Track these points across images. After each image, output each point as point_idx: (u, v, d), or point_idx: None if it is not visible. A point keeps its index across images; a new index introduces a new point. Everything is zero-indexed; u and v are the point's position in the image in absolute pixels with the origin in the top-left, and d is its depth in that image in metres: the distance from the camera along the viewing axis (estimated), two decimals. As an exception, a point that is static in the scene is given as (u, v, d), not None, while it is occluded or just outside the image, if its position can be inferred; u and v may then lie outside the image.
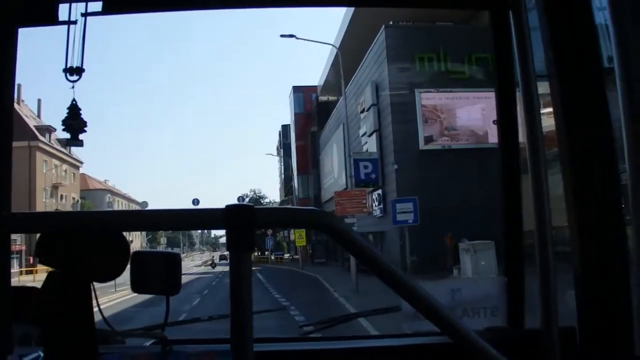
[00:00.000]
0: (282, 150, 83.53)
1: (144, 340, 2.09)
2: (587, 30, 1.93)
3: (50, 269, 1.77)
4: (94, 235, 1.72)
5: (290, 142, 75.42)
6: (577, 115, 1.92)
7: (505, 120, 2.18)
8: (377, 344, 2.14)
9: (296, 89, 73.53)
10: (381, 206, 36.13)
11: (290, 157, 75.96)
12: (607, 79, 1.88)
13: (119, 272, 1.81)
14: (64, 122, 2.07)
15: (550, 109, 1.99)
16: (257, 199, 75.73)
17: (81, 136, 2.11)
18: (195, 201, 54.74)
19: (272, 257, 70.25)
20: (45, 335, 1.75)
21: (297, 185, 69.01)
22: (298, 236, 48.68)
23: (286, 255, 76.10)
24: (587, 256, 1.87)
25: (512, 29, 2.07)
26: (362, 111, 39.71)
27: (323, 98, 64.55)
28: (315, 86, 68.32)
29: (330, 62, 53.20)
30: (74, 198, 70.64)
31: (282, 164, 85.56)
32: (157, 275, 1.88)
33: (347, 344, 2.14)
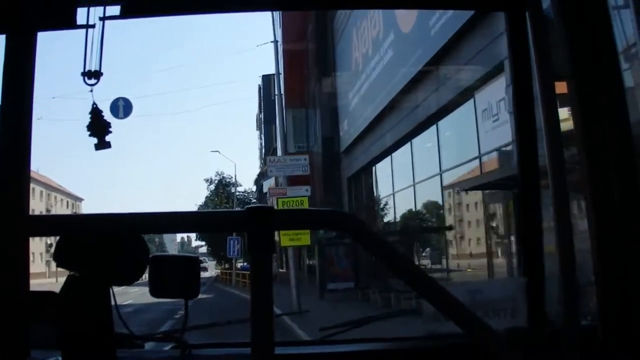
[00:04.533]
0: (262, 115, 56.13)
1: (163, 344, 2.09)
2: (604, 30, 1.93)
3: (69, 272, 1.78)
4: (113, 238, 1.73)
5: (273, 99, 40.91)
6: (596, 116, 1.91)
7: (523, 122, 2.18)
8: (398, 346, 2.13)
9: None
10: None
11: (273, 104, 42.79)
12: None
13: (138, 276, 1.81)
14: (89, 127, 2.08)
15: (569, 110, 1.98)
16: (225, 184, 55.57)
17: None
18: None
19: (234, 275, 44.28)
20: (64, 339, 1.75)
21: (283, 131, 27.16)
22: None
23: None
24: (608, 254, 1.86)
25: (529, 31, 2.07)
26: None
27: None
28: None
29: None
30: None
31: (264, 133, 57.29)
32: (176, 279, 1.87)
33: (367, 346, 2.13)
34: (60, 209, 74.14)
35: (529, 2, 2.03)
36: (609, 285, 1.86)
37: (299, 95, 35.34)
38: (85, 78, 2.01)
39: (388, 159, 24.58)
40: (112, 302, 1.83)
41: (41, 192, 69.98)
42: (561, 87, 1.99)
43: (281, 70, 28.60)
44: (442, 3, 2.53)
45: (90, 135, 2.06)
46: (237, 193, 54.94)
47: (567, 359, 1.80)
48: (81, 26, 1.93)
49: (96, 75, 2.01)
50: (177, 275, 1.88)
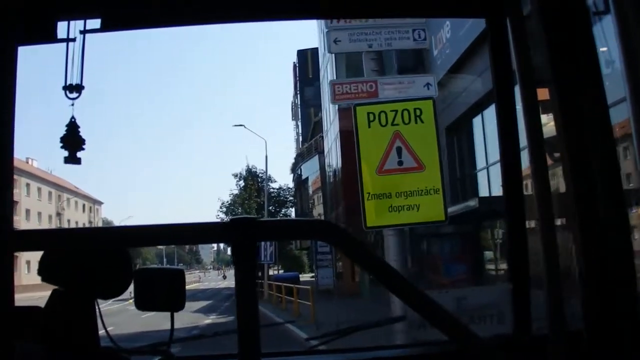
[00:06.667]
0: (298, 97, 49.53)
1: (149, 358, 2.08)
2: (584, 34, 1.94)
3: (54, 287, 1.77)
4: (97, 251, 1.72)
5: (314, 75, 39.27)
6: (577, 120, 1.92)
7: (505, 126, 2.19)
8: (384, 355, 2.13)
9: None
10: None
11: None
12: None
13: (123, 289, 1.81)
14: (62, 139, 2.07)
15: (550, 114, 2.00)
16: (255, 174, 47.41)
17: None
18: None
19: (267, 286, 30.39)
20: (50, 353, 1.74)
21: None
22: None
23: (305, 276, 40.19)
24: (593, 260, 1.87)
25: (509, 36, 2.08)
26: None
27: None
28: None
29: None
30: None
31: (300, 118, 49.89)
32: (161, 292, 1.87)
33: (354, 356, 2.13)
34: (75, 212, 68.06)
35: (509, 8, 2.05)
36: (594, 289, 1.87)
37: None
38: (67, 92, 2.00)
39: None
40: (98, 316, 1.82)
41: (50, 193, 62.08)
42: (543, 94, 2.00)
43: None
44: (423, 11, 2.55)
45: (62, 147, 2.04)
46: (270, 189, 46.01)
47: None
48: (62, 40, 1.92)
49: (77, 89, 2.00)
50: (163, 288, 1.87)
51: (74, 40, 1.94)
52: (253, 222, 1.36)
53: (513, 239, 2.15)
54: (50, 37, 1.90)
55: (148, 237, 1.51)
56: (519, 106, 2.10)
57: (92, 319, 1.79)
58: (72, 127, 2.07)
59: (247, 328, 1.34)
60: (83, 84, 1.99)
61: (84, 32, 1.95)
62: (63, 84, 1.98)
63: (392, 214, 6.50)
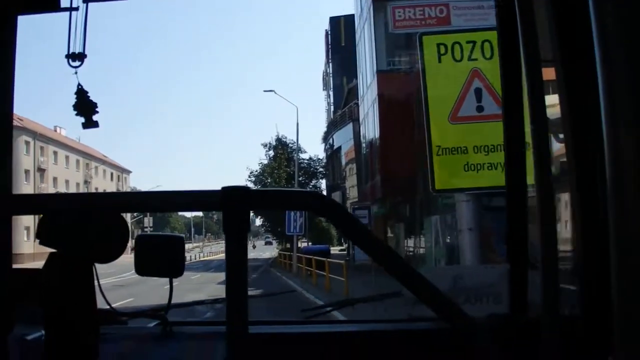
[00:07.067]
0: (330, 65, 49.15)
1: (146, 321, 2.12)
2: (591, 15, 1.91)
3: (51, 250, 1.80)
4: (94, 216, 1.76)
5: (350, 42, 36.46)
6: (582, 102, 1.90)
7: (511, 107, 2.17)
8: (377, 328, 2.14)
9: None
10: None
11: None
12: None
13: (119, 253, 1.84)
14: (75, 106, 2.11)
15: (555, 96, 1.98)
16: (284, 143, 46.39)
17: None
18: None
19: (296, 259, 29.49)
20: (48, 316, 1.78)
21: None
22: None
23: (334, 249, 40.07)
24: (591, 244, 1.86)
25: (517, 15, 2.05)
26: None
27: None
28: None
29: None
30: None
31: (332, 87, 48.99)
32: (161, 258, 1.92)
33: (347, 328, 2.15)
34: (103, 181, 67.44)
35: None
36: (591, 274, 1.86)
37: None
38: (70, 60, 2.02)
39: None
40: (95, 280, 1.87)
41: (78, 161, 61.88)
42: (548, 74, 1.98)
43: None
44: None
45: (76, 114, 2.08)
46: (300, 160, 43.76)
47: (547, 346, 1.80)
48: (65, 9, 1.94)
49: (80, 57, 2.03)
50: (163, 255, 1.92)
51: (76, 9, 1.96)
52: (244, 191, 1.38)
53: (512, 219, 2.14)
54: (53, 6, 1.92)
55: (139, 204, 1.54)
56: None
57: (89, 282, 1.83)
58: (81, 93, 2.10)
59: (236, 296, 1.36)
60: (85, 53, 2.01)
61: (87, 0, 1.96)
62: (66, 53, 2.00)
63: (469, 174, 4.90)
